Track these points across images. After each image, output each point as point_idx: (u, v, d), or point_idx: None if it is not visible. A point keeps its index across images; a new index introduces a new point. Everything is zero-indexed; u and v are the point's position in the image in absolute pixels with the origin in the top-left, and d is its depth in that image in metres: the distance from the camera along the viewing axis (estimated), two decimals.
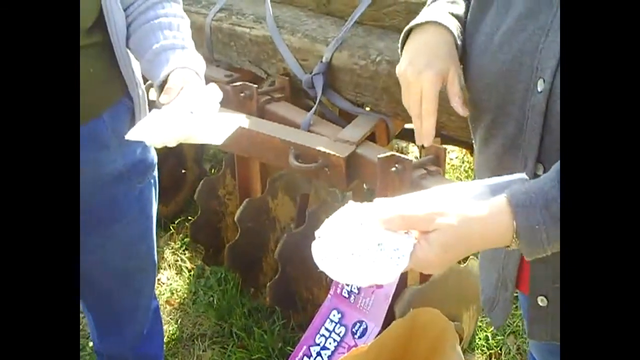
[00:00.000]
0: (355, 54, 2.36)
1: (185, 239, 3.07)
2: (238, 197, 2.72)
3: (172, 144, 1.30)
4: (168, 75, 1.41)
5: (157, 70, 1.44)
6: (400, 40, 1.27)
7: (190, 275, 2.91)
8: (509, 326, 2.51)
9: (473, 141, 1.36)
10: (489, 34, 1.20)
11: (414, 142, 3.32)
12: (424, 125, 1.21)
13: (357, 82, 2.38)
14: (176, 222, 3.15)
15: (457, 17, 1.27)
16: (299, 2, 2.66)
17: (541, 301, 1.26)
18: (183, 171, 3.16)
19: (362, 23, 2.43)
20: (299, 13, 2.62)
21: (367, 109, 2.51)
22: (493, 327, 1.39)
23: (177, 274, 2.92)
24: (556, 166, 1.02)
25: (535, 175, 1.16)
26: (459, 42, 1.23)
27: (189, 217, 3.10)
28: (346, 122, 2.52)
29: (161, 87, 1.42)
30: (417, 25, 1.24)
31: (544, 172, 1.14)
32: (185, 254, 3.02)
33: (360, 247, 0.99)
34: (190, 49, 1.49)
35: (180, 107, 1.33)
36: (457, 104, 1.21)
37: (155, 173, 1.77)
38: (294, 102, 2.60)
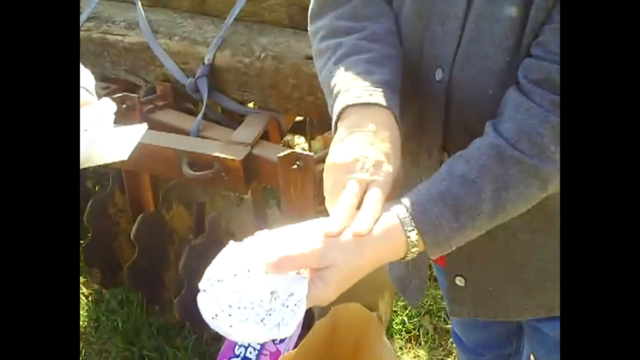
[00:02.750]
0: (238, 53, 2.28)
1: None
2: (130, 214, 2.59)
3: None
4: None
5: None
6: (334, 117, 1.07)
7: (88, 301, 2.75)
8: (423, 307, 2.52)
9: None
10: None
11: (299, 134, 3.29)
12: None
13: (243, 80, 2.31)
14: None
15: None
16: (172, 4, 2.55)
17: (459, 281, 1.26)
18: None
19: (242, 19, 2.35)
20: (173, 15, 2.51)
21: (250, 105, 2.44)
22: (410, 306, 1.36)
23: None
24: (447, 162, 1.00)
25: (441, 163, 1.14)
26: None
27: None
28: (234, 122, 2.45)
29: None
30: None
31: None
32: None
33: (252, 298, 0.89)
34: None
35: None
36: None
37: None
38: (176, 109, 2.49)
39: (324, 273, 0.90)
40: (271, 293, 0.90)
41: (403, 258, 0.96)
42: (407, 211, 0.94)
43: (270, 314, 0.89)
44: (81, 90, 1.32)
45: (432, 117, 1.11)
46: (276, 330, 0.88)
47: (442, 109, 1.09)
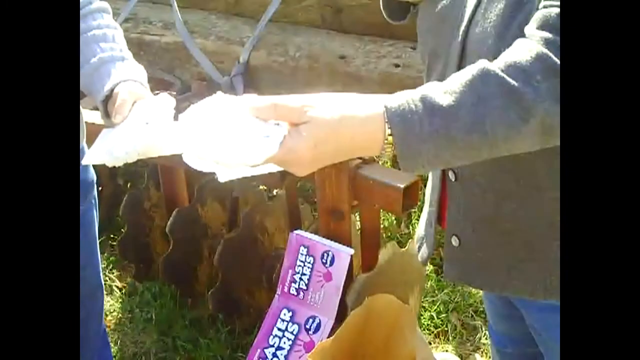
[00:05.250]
0: (273, 52, 2.35)
1: (111, 258, 2.98)
2: (165, 208, 2.66)
3: (133, 159, 1.26)
4: (112, 90, 1.36)
5: (97, 85, 1.39)
6: None
7: (122, 294, 2.83)
8: (450, 303, 2.57)
9: None
10: None
11: None
12: None
13: (278, 79, 2.37)
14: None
15: None
16: (207, 5, 2.63)
17: (454, 241, 1.31)
18: (99, 188, 3.06)
19: (275, 21, 2.42)
20: (208, 16, 2.59)
21: None
22: (421, 261, 1.42)
23: (108, 294, 2.82)
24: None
25: None
26: None
27: (111, 235, 3.01)
28: None
29: (104, 102, 1.37)
30: None
31: None
32: (113, 273, 2.93)
33: (229, 130, 0.95)
34: (130, 59, 1.44)
35: (134, 120, 1.28)
36: None
37: (95, 193, 1.71)
38: None
39: (301, 127, 0.95)
40: (248, 129, 0.95)
41: (379, 156, 1.00)
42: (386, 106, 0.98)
43: (243, 143, 0.94)
44: (136, 84, 1.39)
45: (452, 66, 1.20)
46: (244, 156, 0.94)
47: (458, 59, 1.19)
